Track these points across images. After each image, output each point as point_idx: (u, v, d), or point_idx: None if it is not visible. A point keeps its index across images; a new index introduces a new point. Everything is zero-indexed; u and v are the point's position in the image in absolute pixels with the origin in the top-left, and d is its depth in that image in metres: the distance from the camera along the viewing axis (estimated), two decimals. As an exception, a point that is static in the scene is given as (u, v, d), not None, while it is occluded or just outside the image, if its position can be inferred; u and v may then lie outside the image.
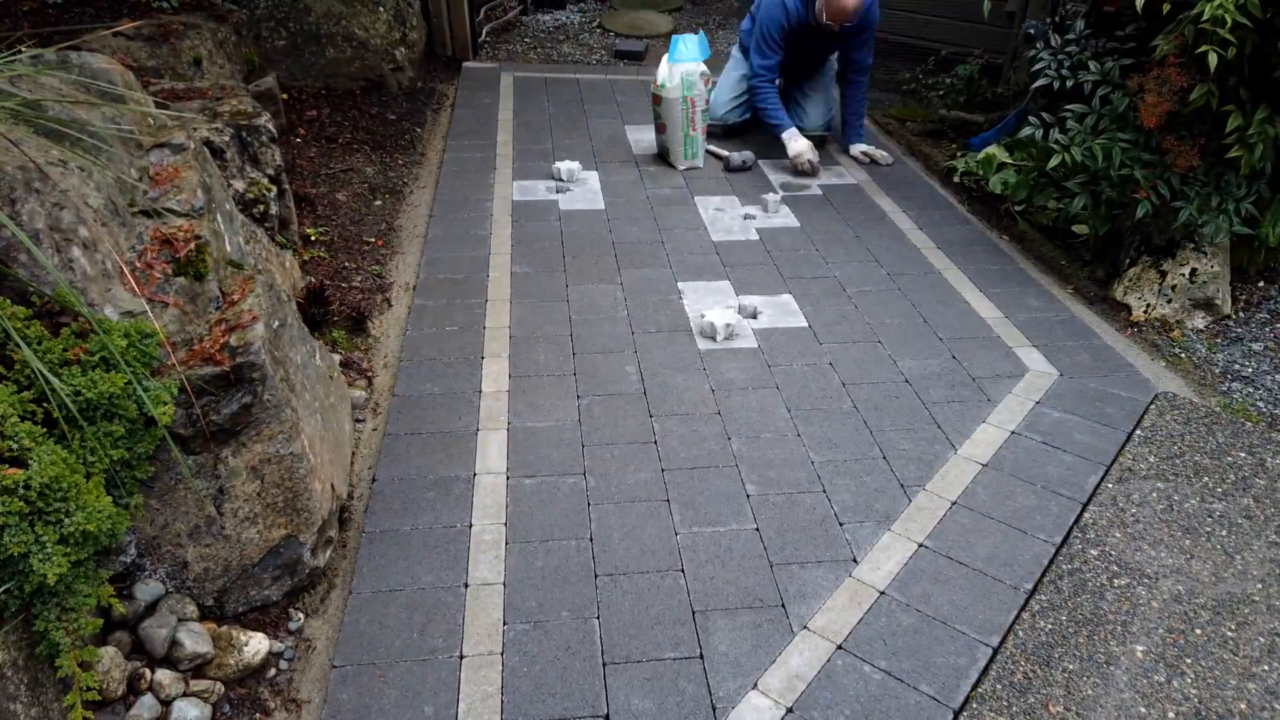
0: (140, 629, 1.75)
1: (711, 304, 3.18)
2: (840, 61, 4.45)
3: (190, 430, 1.79)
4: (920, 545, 2.21)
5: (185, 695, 1.73)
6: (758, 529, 2.23)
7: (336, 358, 2.73)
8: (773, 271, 3.43)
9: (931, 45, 5.73)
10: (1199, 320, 3.21)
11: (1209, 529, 2.30)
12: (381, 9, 4.78)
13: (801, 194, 4.13)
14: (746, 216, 3.85)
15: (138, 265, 1.87)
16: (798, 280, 3.38)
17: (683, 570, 2.10)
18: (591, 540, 2.17)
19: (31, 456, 1.44)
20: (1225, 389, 2.90)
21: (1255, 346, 3.09)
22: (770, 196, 3.92)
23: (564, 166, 4.05)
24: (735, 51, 4.68)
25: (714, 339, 2.96)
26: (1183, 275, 3.20)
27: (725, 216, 3.85)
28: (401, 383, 2.70)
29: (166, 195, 2.05)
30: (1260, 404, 2.81)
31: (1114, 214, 3.31)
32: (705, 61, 4.14)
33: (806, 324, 3.10)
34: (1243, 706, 1.85)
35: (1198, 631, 2.02)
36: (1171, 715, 1.83)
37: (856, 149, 4.53)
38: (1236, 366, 3.00)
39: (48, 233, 1.67)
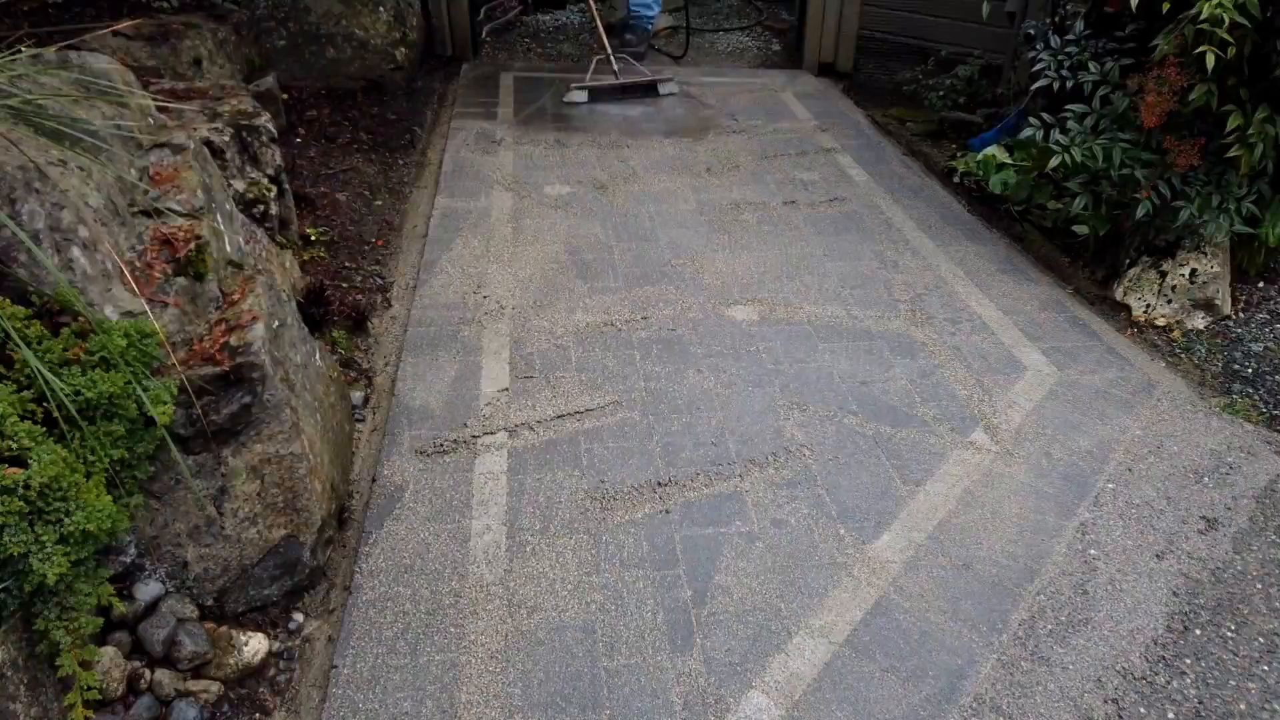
0: (140, 629, 1.75)
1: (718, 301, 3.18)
2: None
3: (190, 430, 1.79)
4: (923, 542, 2.21)
5: (185, 695, 1.73)
6: (759, 526, 2.23)
7: (336, 358, 2.73)
8: (770, 271, 3.43)
9: (931, 45, 5.72)
10: (1199, 320, 3.21)
11: (1208, 529, 2.30)
12: (381, 9, 4.78)
13: (799, 194, 4.13)
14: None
15: (138, 265, 1.87)
16: (796, 279, 3.38)
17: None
18: (595, 541, 2.17)
19: (31, 456, 1.44)
20: (1225, 389, 2.90)
21: (1255, 347, 3.09)
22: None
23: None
24: None
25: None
26: (1183, 276, 3.20)
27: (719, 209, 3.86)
28: (401, 383, 2.70)
29: (166, 195, 2.05)
30: (1260, 404, 2.81)
31: (1114, 214, 3.31)
32: None
33: (807, 323, 3.10)
34: (1242, 707, 1.85)
35: (1197, 632, 2.02)
36: (1171, 715, 1.83)
37: None
38: (1236, 367, 3.00)
39: (48, 233, 1.67)
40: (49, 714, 1.50)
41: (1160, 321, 3.21)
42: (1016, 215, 3.88)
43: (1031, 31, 3.57)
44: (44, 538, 1.42)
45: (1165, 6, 2.80)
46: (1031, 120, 3.36)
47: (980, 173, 4.03)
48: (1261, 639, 2.00)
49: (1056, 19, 3.70)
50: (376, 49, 4.76)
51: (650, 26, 5.96)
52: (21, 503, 1.40)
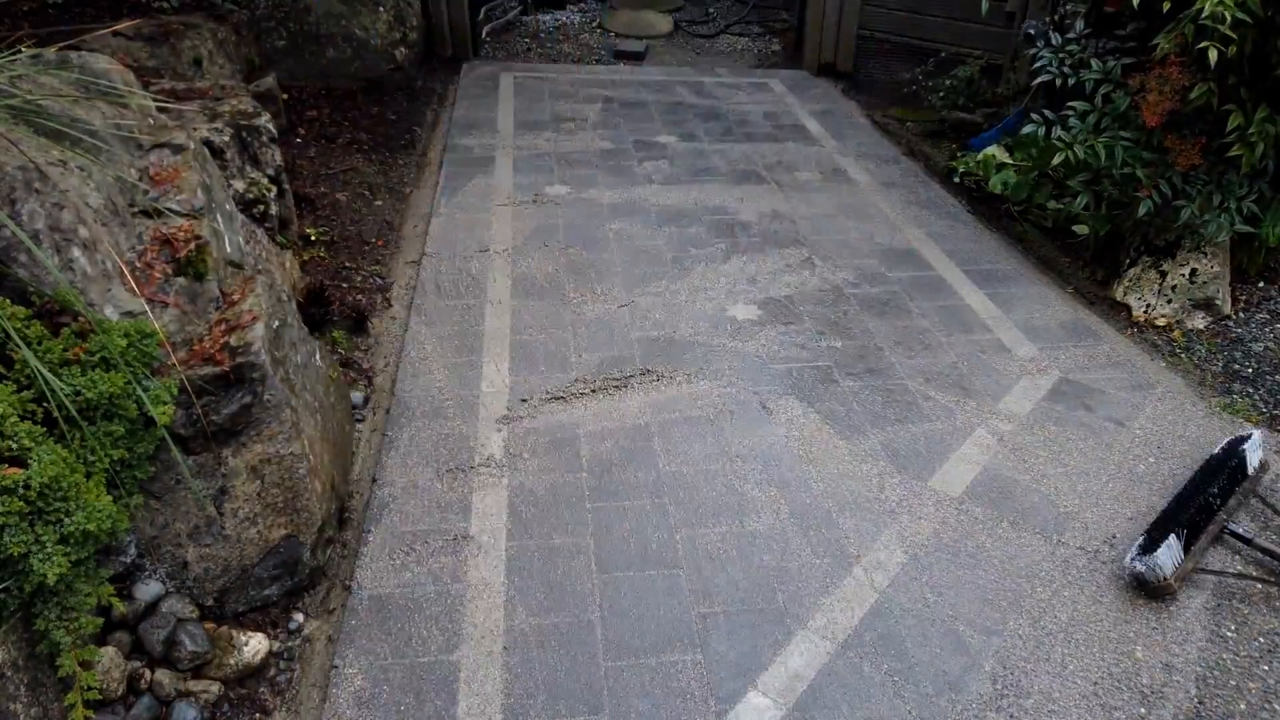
0: (140, 629, 1.75)
1: (722, 296, 3.18)
2: None
3: (190, 430, 1.79)
4: (925, 541, 2.21)
5: (185, 695, 1.73)
6: (759, 526, 2.23)
7: (336, 358, 2.73)
8: (769, 270, 3.43)
9: (932, 46, 5.73)
10: (1199, 320, 3.20)
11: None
12: (381, 9, 4.78)
13: (799, 192, 4.13)
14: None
15: (138, 265, 1.87)
16: (794, 276, 3.37)
17: (681, 570, 2.10)
18: (592, 539, 2.17)
19: (31, 456, 1.44)
20: (1225, 389, 2.89)
21: (1255, 347, 3.08)
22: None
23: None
24: None
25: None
26: (1183, 275, 3.20)
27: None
28: (401, 383, 2.70)
29: (166, 195, 2.05)
30: (1260, 404, 2.81)
31: (1115, 214, 3.30)
32: None
33: (808, 321, 3.10)
34: (1242, 707, 1.85)
35: (1198, 631, 2.02)
36: (1171, 715, 1.83)
37: None
38: (1236, 366, 3.00)
39: (48, 233, 1.67)
40: (49, 714, 1.50)
41: (1160, 321, 3.21)
42: (1016, 215, 3.88)
43: (1031, 31, 3.57)
44: (44, 538, 1.43)
45: (1166, 6, 2.80)
46: (1033, 116, 3.35)
47: (980, 172, 4.03)
48: (1261, 639, 2.00)
49: (1056, 18, 3.70)
50: (376, 49, 4.77)
51: None
52: (22, 503, 1.40)
